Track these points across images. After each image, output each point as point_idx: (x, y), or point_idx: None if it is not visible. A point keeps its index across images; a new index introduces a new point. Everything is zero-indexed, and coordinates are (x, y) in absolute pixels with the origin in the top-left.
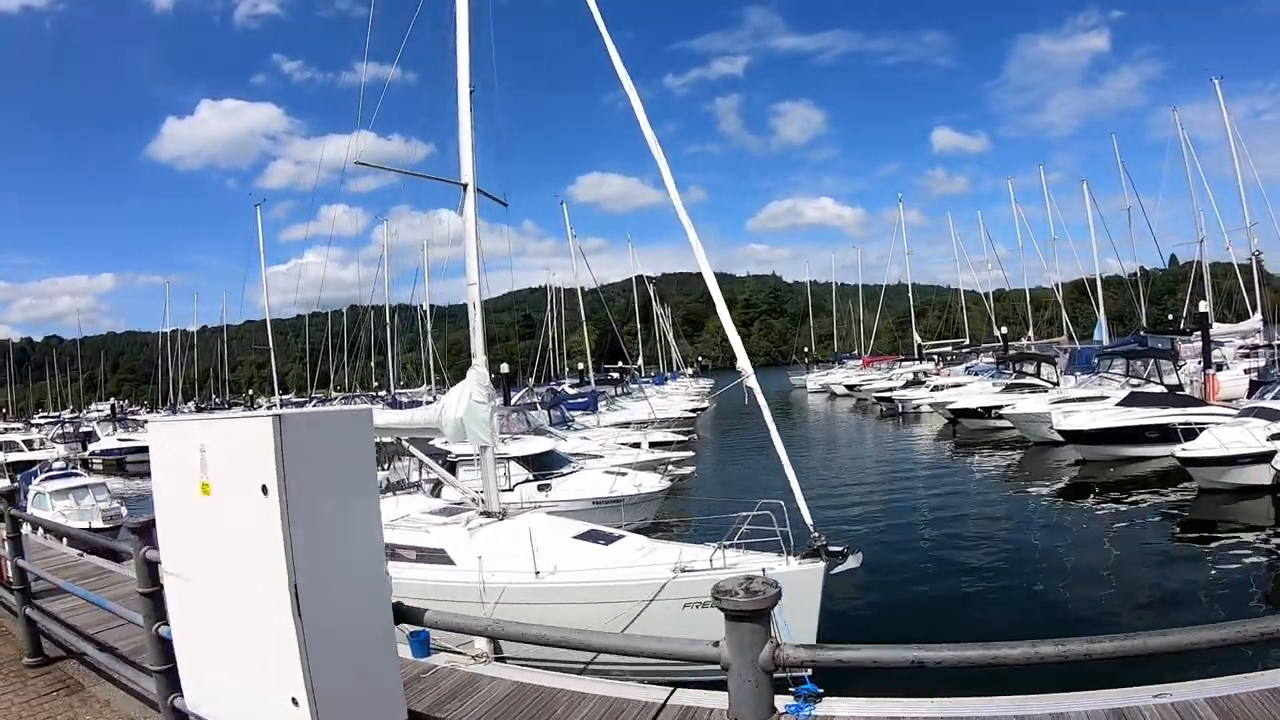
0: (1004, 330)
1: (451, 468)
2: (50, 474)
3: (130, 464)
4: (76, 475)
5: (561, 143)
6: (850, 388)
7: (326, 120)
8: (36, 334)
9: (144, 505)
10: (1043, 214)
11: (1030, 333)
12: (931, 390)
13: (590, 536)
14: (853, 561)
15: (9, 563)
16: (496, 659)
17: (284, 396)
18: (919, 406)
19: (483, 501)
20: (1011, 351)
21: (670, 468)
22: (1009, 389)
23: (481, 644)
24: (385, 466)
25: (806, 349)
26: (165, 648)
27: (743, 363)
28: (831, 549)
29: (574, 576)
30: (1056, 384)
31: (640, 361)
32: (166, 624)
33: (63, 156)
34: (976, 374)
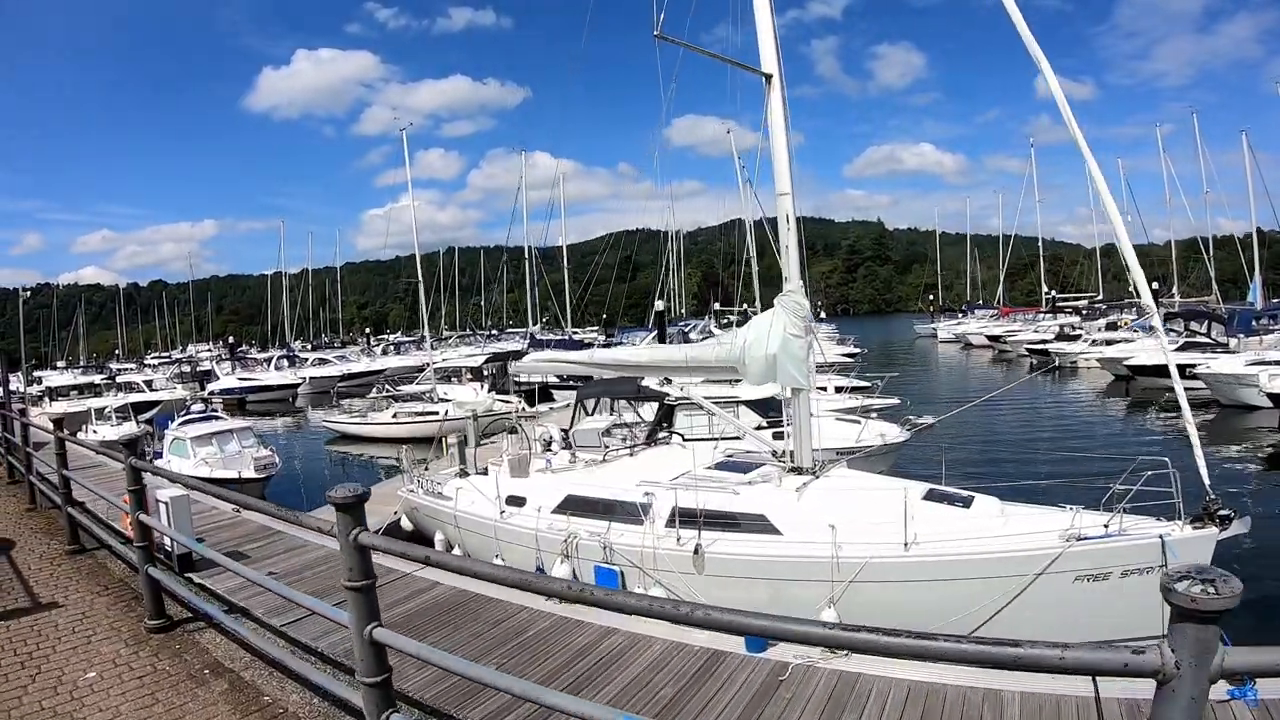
0: (1155, 286)
1: (669, 413)
2: (189, 417)
3: (251, 403)
4: (218, 418)
5: (653, 80)
6: (992, 339)
7: (422, 66)
8: (142, 279)
9: (296, 447)
10: (1155, 166)
11: (1175, 291)
12: (1092, 344)
13: (940, 497)
14: (1240, 526)
15: (133, 519)
16: None
17: (390, 337)
18: (1075, 362)
19: (789, 457)
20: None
21: (911, 419)
22: (1185, 348)
23: None
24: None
25: (932, 295)
26: (379, 655)
27: (1147, 299)
28: (1220, 513)
29: (943, 547)
30: (1226, 345)
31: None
32: (381, 625)
33: (164, 112)
34: (1138, 330)
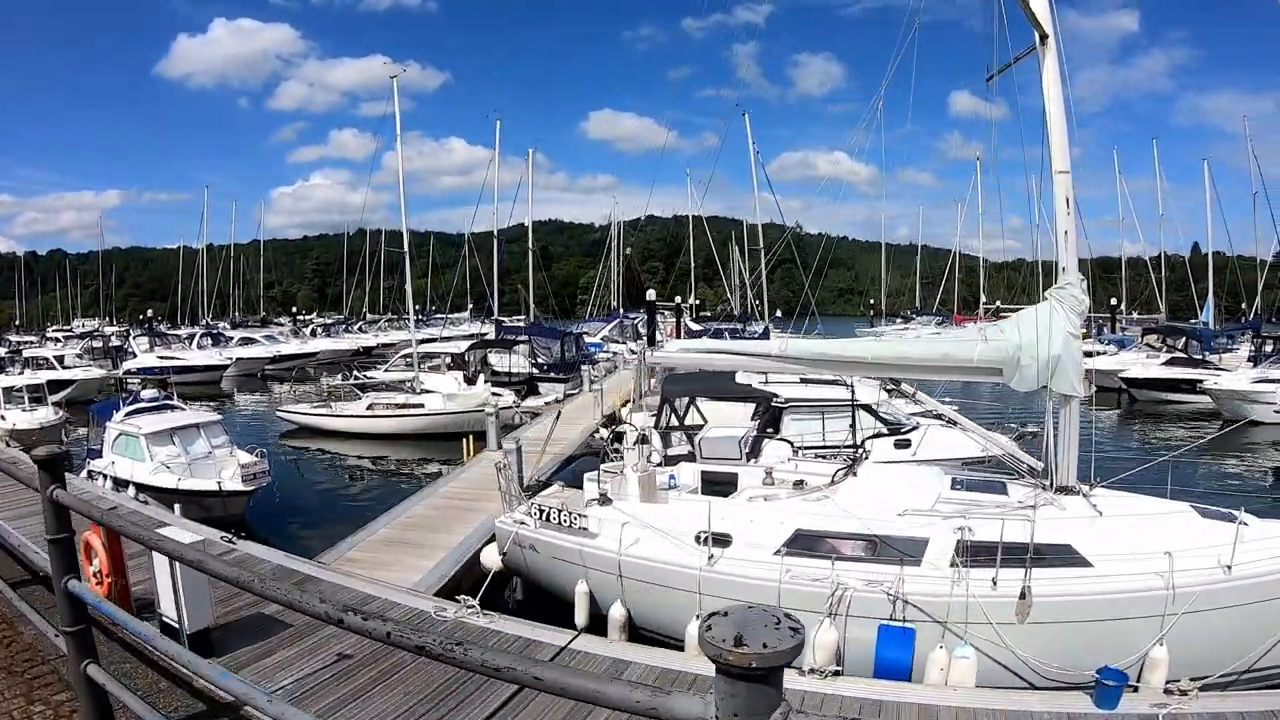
0: (1114, 301)
1: (775, 417)
2: (138, 405)
3: (173, 385)
4: (177, 408)
5: (575, 75)
6: None
7: (342, 42)
8: (41, 248)
9: (241, 444)
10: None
11: (1122, 307)
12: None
13: (1209, 515)
14: None
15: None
16: None
17: (309, 318)
18: None
19: (1041, 473)
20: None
21: (1015, 426)
22: (1172, 363)
23: None
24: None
25: (873, 301)
26: (75, 605)
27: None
28: None
29: (1259, 567)
30: (1208, 361)
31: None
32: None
33: (71, 70)
34: (1121, 345)
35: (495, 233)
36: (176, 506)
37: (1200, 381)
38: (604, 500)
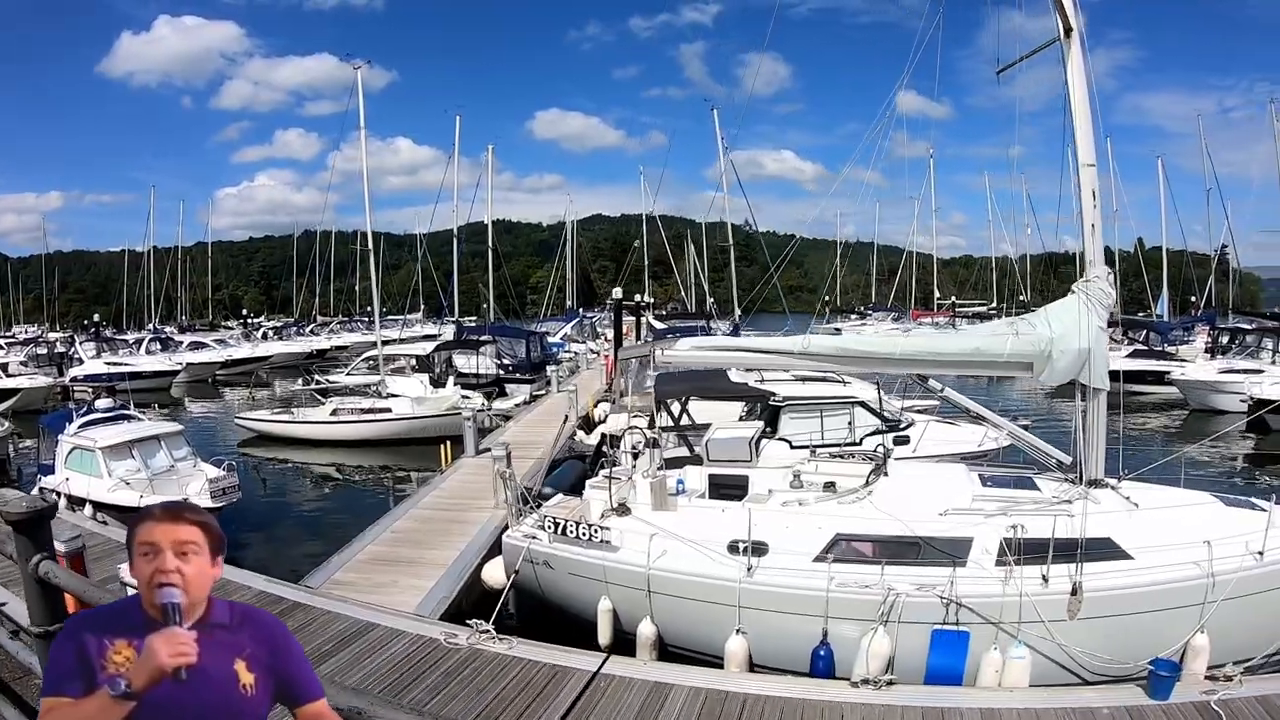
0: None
1: (773, 416)
2: (92, 416)
3: (122, 392)
4: (134, 417)
5: (522, 75)
6: None
7: (288, 40)
8: None
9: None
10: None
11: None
12: None
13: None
14: None
15: None
16: None
17: (259, 321)
18: None
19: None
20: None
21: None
22: (1136, 355)
23: None
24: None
25: (829, 297)
26: None
27: None
28: None
29: None
30: (1168, 353)
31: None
32: None
33: (9, 68)
34: None
35: (456, 230)
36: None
37: (1167, 373)
38: (623, 510)
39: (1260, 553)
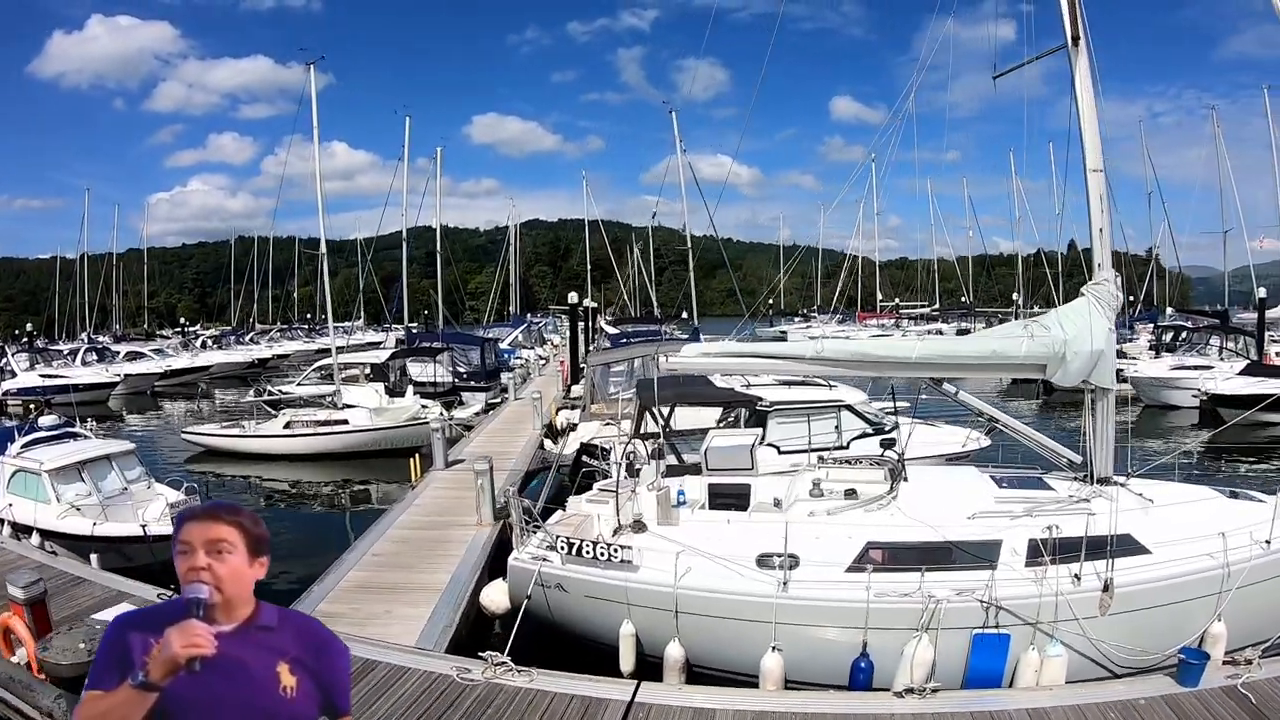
0: (1016, 296)
1: (761, 421)
2: (35, 435)
3: (58, 406)
4: (81, 435)
5: (460, 79)
6: None
7: (223, 42)
8: None
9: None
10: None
11: (1021, 301)
12: None
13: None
14: None
15: None
16: None
17: (196, 329)
18: None
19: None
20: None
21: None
22: None
23: None
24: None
25: (771, 301)
26: None
27: None
28: None
29: None
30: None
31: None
32: None
33: None
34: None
35: (404, 234)
36: (93, 557)
37: (1120, 370)
38: (638, 526)
39: (1268, 541)
